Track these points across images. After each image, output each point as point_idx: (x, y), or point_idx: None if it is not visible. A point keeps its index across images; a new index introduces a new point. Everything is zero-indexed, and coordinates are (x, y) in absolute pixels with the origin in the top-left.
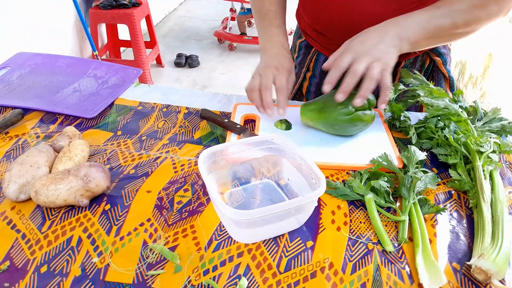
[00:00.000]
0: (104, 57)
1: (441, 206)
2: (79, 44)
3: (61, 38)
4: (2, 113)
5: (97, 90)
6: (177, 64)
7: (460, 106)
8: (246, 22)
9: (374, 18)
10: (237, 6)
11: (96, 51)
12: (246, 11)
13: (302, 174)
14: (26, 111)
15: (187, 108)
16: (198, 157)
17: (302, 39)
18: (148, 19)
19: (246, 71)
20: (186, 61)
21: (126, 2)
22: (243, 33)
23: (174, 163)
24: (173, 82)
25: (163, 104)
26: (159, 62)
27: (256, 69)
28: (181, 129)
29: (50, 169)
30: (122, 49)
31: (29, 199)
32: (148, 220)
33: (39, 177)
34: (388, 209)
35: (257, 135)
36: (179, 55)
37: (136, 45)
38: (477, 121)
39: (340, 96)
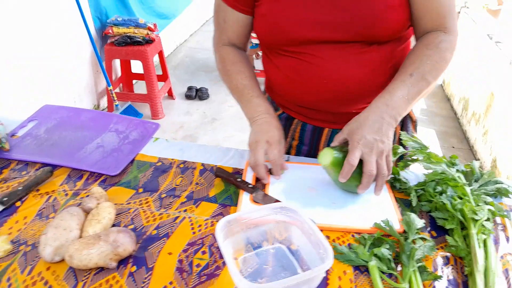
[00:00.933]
0: (117, 90)
1: (439, 271)
2: (94, 78)
3: (78, 73)
4: (30, 167)
5: (119, 146)
6: (188, 97)
7: (457, 170)
8: (254, 55)
9: (359, 83)
10: None
11: (111, 86)
12: (254, 45)
13: (311, 242)
14: (54, 167)
15: (202, 164)
16: (213, 217)
17: (279, 112)
18: (161, 54)
19: None
20: (196, 94)
21: (139, 39)
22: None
23: (192, 223)
24: (183, 115)
25: (180, 160)
26: (170, 94)
27: (249, 142)
28: (197, 187)
29: (81, 231)
30: (134, 81)
31: (63, 260)
32: (170, 283)
33: (72, 242)
34: (390, 275)
35: (267, 195)
36: (189, 88)
37: (149, 80)
38: (474, 181)
39: (361, 191)
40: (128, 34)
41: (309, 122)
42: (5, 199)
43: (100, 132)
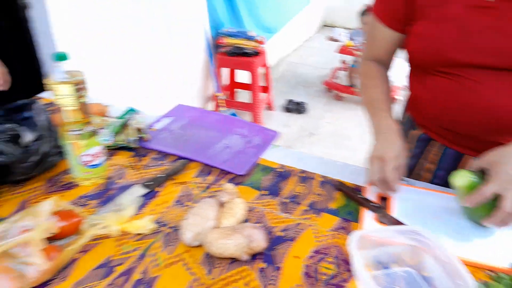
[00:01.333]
0: (222, 97)
1: None
2: (204, 83)
3: (193, 77)
4: (166, 158)
5: (244, 148)
6: (287, 109)
7: None
8: (356, 75)
9: None
10: (349, 58)
11: (220, 92)
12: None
13: (446, 271)
14: (187, 160)
15: (322, 176)
16: (336, 230)
17: (418, 132)
18: (265, 66)
19: (353, 122)
20: (295, 107)
21: (249, 51)
22: (352, 85)
23: (315, 232)
24: (282, 127)
25: (299, 169)
26: (269, 105)
27: (368, 156)
28: (318, 197)
29: (216, 222)
30: (236, 90)
31: (200, 245)
32: (299, 286)
33: (211, 230)
34: None
35: (393, 216)
36: (289, 101)
37: (254, 90)
38: None
39: (487, 224)
40: (238, 45)
41: (451, 146)
42: (149, 183)
43: (226, 133)
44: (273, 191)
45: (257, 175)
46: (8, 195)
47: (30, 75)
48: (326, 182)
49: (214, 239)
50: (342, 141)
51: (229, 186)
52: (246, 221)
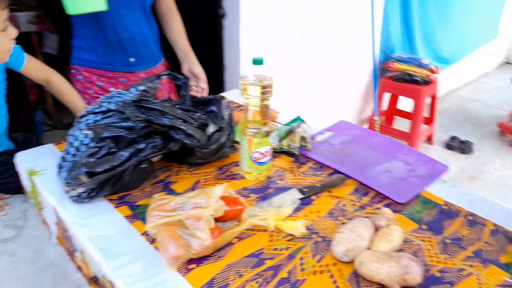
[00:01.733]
0: (378, 122)
1: None
2: (363, 104)
3: (352, 97)
4: (324, 170)
5: (406, 177)
6: (448, 146)
7: None
8: None
9: None
10: None
11: (377, 117)
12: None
13: None
14: (344, 175)
15: (494, 224)
16: (505, 287)
17: None
18: (433, 97)
19: None
20: (458, 146)
21: (418, 79)
22: None
23: (479, 283)
24: None
25: (468, 211)
26: (429, 139)
27: None
28: (487, 246)
29: (369, 243)
30: (395, 116)
31: (349, 262)
32: None
33: (365, 251)
34: None
35: None
36: (452, 138)
37: (416, 120)
38: None
39: None
40: (408, 72)
41: None
42: (305, 189)
43: (388, 157)
44: (435, 228)
45: (418, 207)
46: (186, 174)
47: (215, 77)
48: (499, 232)
49: (367, 260)
50: (510, 193)
51: (387, 211)
52: (401, 250)
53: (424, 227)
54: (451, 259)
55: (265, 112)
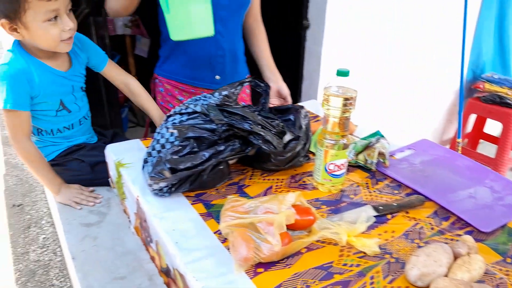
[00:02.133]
0: (461, 144)
1: None
2: (445, 124)
3: (434, 115)
4: (402, 189)
5: (492, 204)
6: None
7: None
8: None
9: None
10: None
11: (460, 138)
12: None
13: None
14: (423, 197)
15: None
16: None
17: None
18: None
19: None
20: None
21: (510, 102)
22: None
23: None
24: None
25: None
26: None
27: None
28: None
29: (447, 270)
30: (480, 140)
31: (423, 287)
32: None
33: (443, 278)
34: None
35: None
36: None
37: (504, 145)
38: None
39: None
40: (499, 94)
41: None
42: (380, 207)
43: (474, 183)
44: None
45: (503, 238)
46: (259, 179)
47: (293, 86)
48: None
49: (443, 287)
50: None
51: (469, 239)
52: (481, 282)
53: (509, 260)
54: None
55: (345, 125)
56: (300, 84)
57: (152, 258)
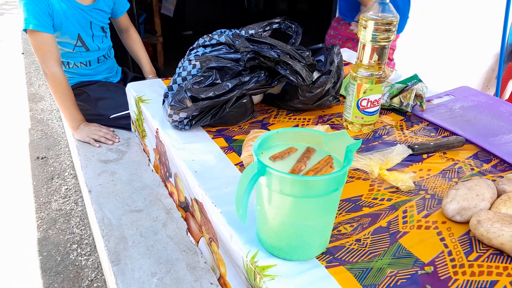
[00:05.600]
0: None
1: None
2: (482, 88)
3: (468, 78)
4: (440, 132)
5: None
6: None
7: None
8: None
9: None
10: None
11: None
12: None
13: None
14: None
15: None
16: None
17: None
18: None
19: None
20: None
21: None
22: None
23: None
24: None
25: None
26: None
27: None
28: None
29: (490, 206)
30: None
31: (462, 222)
32: None
33: (486, 210)
34: None
35: None
36: None
37: None
38: None
39: None
40: None
41: None
42: (416, 146)
43: None
44: None
45: None
46: (285, 119)
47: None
48: None
49: (486, 220)
50: None
51: None
52: None
53: None
54: None
55: (382, 55)
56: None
57: (171, 194)
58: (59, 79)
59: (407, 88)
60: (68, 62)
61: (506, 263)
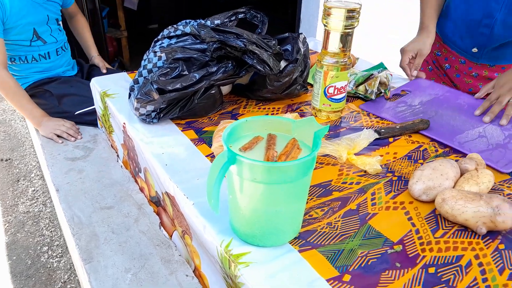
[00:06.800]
0: None
1: None
2: None
3: None
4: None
5: (505, 143)
6: None
7: None
8: None
9: None
10: None
11: None
12: None
13: None
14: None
15: None
16: None
17: None
18: None
19: None
20: None
21: None
22: None
23: None
24: None
25: None
26: None
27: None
28: None
29: (454, 185)
30: None
31: (428, 201)
32: None
33: (450, 189)
34: None
35: None
36: None
37: None
38: None
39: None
40: None
41: None
42: (382, 130)
43: (480, 122)
44: None
45: None
46: (254, 108)
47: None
48: None
49: (451, 198)
50: None
51: (477, 156)
52: None
53: None
54: None
55: (347, 42)
56: (297, 28)
57: (141, 189)
58: (6, 82)
59: (372, 76)
60: (26, 56)
61: (470, 238)
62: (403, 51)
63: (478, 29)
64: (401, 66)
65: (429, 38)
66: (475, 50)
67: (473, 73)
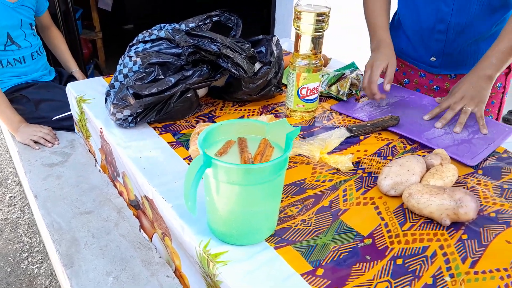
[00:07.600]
0: None
1: None
2: None
3: None
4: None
5: (469, 138)
6: (505, 120)
7: None
8: None
9: None
10: None
11: None
12: None
13: None
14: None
15: None
16: None
17: None
18: None
19: None
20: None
21: None
22: None
23: None
24: None
25: None
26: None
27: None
28: None
29: (420, 179)
30: None
31: (396, 196)
32: (505, 269)
33: (416, 184)
34: None
35: None
36: (510, 112)
37: None
38: None
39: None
40: None
41: None
42: (354, 128)
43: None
44: (492, 174)
45: None
46: (231, 110)
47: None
48: None
49: (416, 192)
50: None
51: (442, 151)
52: None
53: (480, 171)
54: (508, 202)
55: (318, 45)
56: (272, 28)
57: (120, 193)
58: None
59: (344, 75)
60: (1, 61)
61: (435, 229)
62: (372, 65)
63: (432, 36)
64: (370, 81)
65: (391, 50)
66: (433, 59)
67: (434, 87)
